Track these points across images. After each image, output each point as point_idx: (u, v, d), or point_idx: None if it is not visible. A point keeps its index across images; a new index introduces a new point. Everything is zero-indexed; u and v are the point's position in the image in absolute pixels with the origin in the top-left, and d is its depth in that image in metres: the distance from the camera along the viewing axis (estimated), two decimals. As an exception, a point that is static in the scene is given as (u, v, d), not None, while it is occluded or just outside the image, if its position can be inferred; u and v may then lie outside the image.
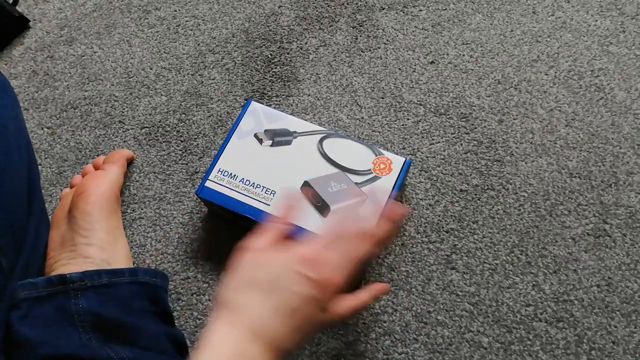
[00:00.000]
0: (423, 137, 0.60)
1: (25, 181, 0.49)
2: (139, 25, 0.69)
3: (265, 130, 0.54)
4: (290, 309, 0.37)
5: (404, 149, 0.59)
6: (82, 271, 0.46)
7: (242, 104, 0.63)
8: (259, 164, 0.52)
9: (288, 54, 0.66)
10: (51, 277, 0.45)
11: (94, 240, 0.49)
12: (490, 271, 0.53)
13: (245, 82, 0.64)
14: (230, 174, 0.52)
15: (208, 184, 0.52)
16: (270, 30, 0.68)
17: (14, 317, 0.43)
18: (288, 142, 0.53)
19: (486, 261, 0.54)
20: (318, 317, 0.38)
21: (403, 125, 0.61)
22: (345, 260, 0.39)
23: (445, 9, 0.67)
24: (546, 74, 0.62)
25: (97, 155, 0.61)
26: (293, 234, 0.49)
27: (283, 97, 0.63)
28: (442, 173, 0.58)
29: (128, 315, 0.46)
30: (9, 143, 0.47)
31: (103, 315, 0.44)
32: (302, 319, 0.37)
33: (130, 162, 0.60)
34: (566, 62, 0.63)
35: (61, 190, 0.58)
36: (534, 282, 0.52)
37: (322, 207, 0.50)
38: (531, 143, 0.59)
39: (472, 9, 0.67)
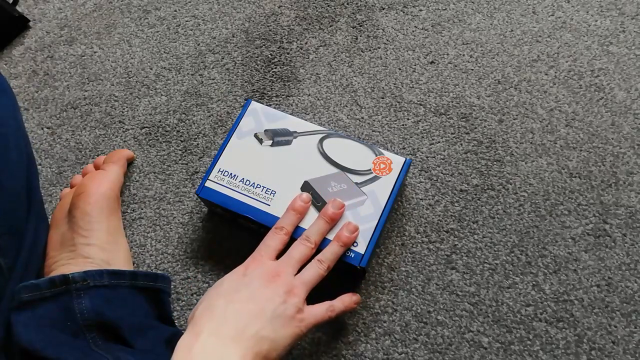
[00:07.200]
0: (423, 137, 0.60)
1: (25, 181, 0.49)
2: (139, 25, 0.69)
3: (265, 130, 0.54)
4: (270, 315, 0.41)
5: (404, 149, 0.59)
6: (84, 271, 0.45)
7: (242, 104, 0.63)
8: (259, 164, 0.52)
9: (288, 54, 0.66)
10: (54, 278, 0.44)
11: (94, 241, 0.49)
12: (490, 271, 0.53)
13: (245, 82, 0.64)
14: (230, 173, 0.52)
15: (208, 184, 0.52)
16: (270, 30, 0.68)
17: (18, 321, 0.43)
18: (288, 142, 0.53)
19: (486, 261, 0.54)
20: (293, 324, 0.42)
21: (403, 125, 0.61)
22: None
23: (445, 9, 0.67)
24: (546, 74, 0.62)
25: (97, 155, 0.61)
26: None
27: (283, 97, 0.63)
28: (442, 173, 0.58)
29: (129, 317, 0.46)
30: (8, 143, 0.47)
31: (105, 315, 0.44)
32: (280, 323, 0.41)
33: (130, 162, 0.60)
34: (566, 62, 0.63)
35: (61, 190, 0.58)
36: (534, 282, 0.52)
37: (322, 207, 0.50)
38: (531, 143, 0.59)
39: (472, 9, 0.67)
